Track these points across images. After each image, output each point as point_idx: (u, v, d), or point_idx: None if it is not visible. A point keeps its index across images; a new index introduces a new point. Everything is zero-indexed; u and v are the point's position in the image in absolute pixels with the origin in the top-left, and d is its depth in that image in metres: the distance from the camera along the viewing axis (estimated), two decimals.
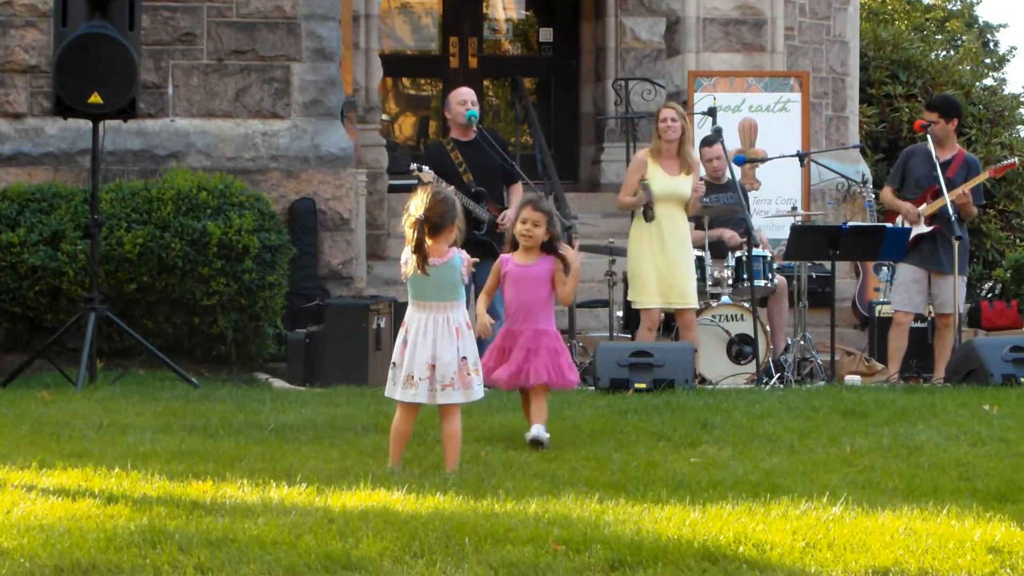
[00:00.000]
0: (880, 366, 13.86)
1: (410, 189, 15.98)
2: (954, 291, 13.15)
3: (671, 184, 12.76)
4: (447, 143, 13.37)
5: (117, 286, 13.07)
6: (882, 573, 5.66)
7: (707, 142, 14.20)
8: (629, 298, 13.07)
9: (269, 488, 6.98)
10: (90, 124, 12.27)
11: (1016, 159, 16.16)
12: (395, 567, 5.54)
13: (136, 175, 14.10)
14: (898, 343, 13.41)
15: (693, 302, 12.86)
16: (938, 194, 13.24)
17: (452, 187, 12.78)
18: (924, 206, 13.32)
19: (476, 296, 13.11)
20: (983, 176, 13.89)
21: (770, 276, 13.75)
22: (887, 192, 13.77)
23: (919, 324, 14.05)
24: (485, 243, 13.02)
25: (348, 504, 6.66)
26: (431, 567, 5.55)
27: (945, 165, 13.37)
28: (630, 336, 13.85)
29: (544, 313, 9.05)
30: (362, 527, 6.06)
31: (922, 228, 13.27)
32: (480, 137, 13.22)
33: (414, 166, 13.04)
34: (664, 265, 12.73)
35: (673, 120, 12.87)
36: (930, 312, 13.67)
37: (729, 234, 14.05)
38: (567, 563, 5.64)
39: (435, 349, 7.91)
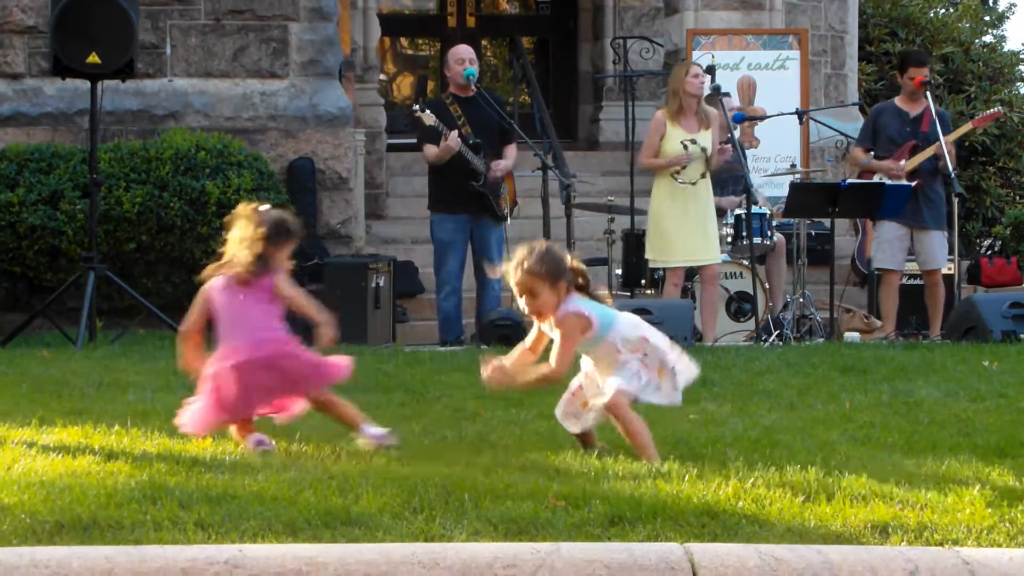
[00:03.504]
0: (879, 323, 13.86)
1: (408, 148, 16.08)
2: (953, 247, 13.20)
3: (691, 139, 12.78)
4: (446, 97, 13.38)
5: (116, 245, 13.07)
6: (881, 528, 5.66)
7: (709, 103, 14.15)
8: (649, 256, 13.04)
9: None
10: (88, 84, 12.25)
11: (1000, 108, 16.09)
12: (395, 523, 5.54)
13: (134, 135, 14.09)
14: (890, 301, 13.41)
15: (718, 256, 12.92)
16: (916, 149, 13.23)
17: (454, 131, 12.83)
18: (904, 162, 13.28)
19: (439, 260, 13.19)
20: (967, 126, 13.90)
21: (769, 234, 13.74)
22: (859, 152, 13.68)
23: (917, 282, 14.04)
24: (481, 195, 13.04)
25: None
26: (431, 523, 5.55)
27: (917, 120, 13.36)
28: (629, 294, 13.86)
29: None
30: (362, 483, 6.06)
31: (904, 184, 13.22)
32: (479, 95, 13.22)
33: (416, 107, 13.07)
34: (689, 222, 12.74)
35: (698, 76, 12.93)
36: (915, 269, 13.67)
37: (727, 201, 14.04)
38: (567, 518, 5.64)
39: None
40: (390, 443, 6.96)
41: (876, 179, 13.33)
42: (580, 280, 6.81)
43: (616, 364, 6.76)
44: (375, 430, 7.02)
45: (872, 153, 13.51)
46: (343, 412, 7.08)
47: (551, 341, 6.78)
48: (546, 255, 6.72)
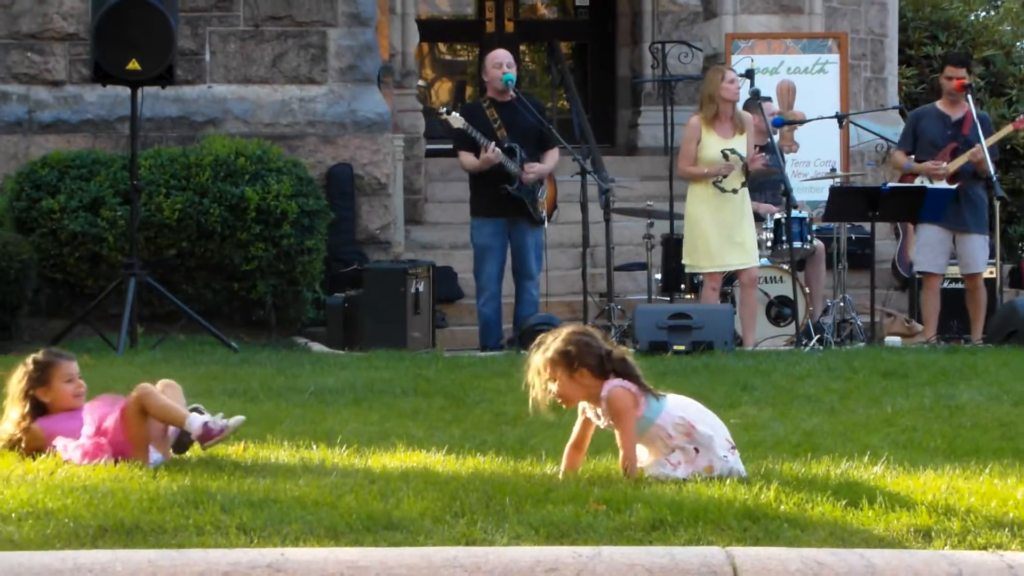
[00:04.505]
0: (920, 327, 13.81)
1: (447, 153, 16.07)
2: (995, 250, 13.15)
3: (730, 147, 12.76)
4: (484, 101, 13.40)
5: (157, 252, 13.12)
6: (924, 532, 5.64)
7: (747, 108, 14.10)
8: (686, 261, 13.01)
9: (310, 450, 6.99)
10: (128, 91, 12.29)
11: None
12: (436, 527, 5.54)
13: (174, 141, 14.14)
14: (932, 305, 13.35)
15: (756, 260, 12.89)
16: (957, 152, 13.19)
17: (492, 143, 12.87)
18: (945, 165, 13.23)
19: (480, 270, 13.17)
20: (1008, 129, 13.83)
21: (808, 238, 13.70)
22: (900, 156, 13.68)
23: (958, 285, 13.97)
24: (516, 199, 13.04)
25: (388, 465, 6.68)
26: (472, 527, 5.55)
27: (959, 123, 13.31)
28: (668, 299, 13.84)
29: None
30: (403, 488, 6.06)
31: (945, 187, 13.18)
32: (517, 100, 13.23)
33: (443, 110, 13.10)
34: (726, 227, 12.72)
35: (734, 81, 12.91)
36: (958, 273, 13.62)
37: (765, 208, 14.02)
38: (608, 522, 5.63)
39: None
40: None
41: (918, 182, 13.29)
42: (620, 366, 6.36)
43: (666, 452, 6.40)
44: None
45: (912, 157, 13.47)
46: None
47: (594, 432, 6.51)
48: (566, 341, 6.35)
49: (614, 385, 6.34)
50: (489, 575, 5.08)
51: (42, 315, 13.22)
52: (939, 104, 13.58)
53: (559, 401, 6.41)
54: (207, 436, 6.65)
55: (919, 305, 14.30)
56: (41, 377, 6.87)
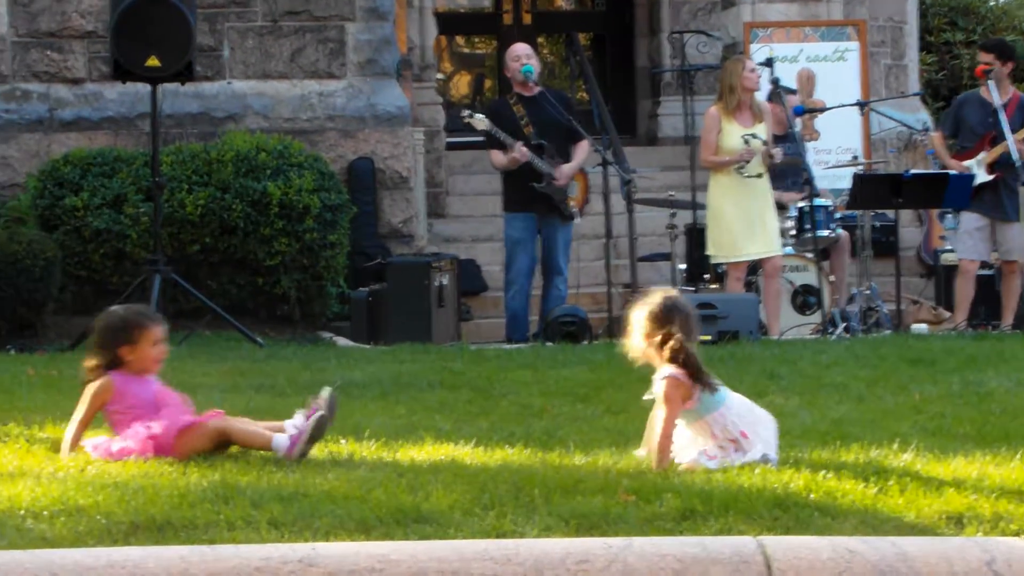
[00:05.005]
0: (947, 314, 13.79)
1: (468, 146, 16.06)
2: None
3: (751, 132, 12.76)
4: (511, 97, 13.39)
5: (180, 248, 13.14)
6: (956, 518, 5.62)
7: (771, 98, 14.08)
8: (710, 252, 13.00)
9: (338, 444, 6.99)
10: (148, 88, 12.30)
11: None
12: (466, 519, 5.54)
13: (195, 138, 14.15)
14: (965, 291, 13.35)
15: (779, 249, 12.87)
16: (996, 140, 13.15)
17: (519, 142, 12.85)
18: (983, 154, 13.21)
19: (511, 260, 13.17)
20: None
21: (832, 226, 13.67)
22: (937, 138, 13.74)
23: (987, 271, 13.95)
24: (544, 196, 13.03)
25: (417, 458, 6.67)
26: (501, 519, 5.54)
27: (1001, 109, 13.28)
28: (693, 289, 13.82)
29: None
30: (432, 480, 6.06)
31: (984, 177, 13.18)
32: (542, 95, 13.21)
33: (466, 112, 13.07)
34: (749, 216, 12.71)
35: (755, 70, 12.90)
36: (996, 259, 13.60)
37: (788, 197, 14.00)
38: (638, 513, 5.62)
39: None
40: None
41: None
42: (680, 355, 6.41)
43: (706, 446, 6.49)
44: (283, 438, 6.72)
45: (953, 141, 13.51)
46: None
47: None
48: (653, 308, 6.49)
49: (669, 373, 6.42)
50: (520, 567, 5.08)
51: (67, 312, 13.25)
52: (981, 91, 13.57)
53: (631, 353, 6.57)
54: (294, 445, 6.66)
55: (945, 292, 14.28)
56: (131, 336, 6.87)
